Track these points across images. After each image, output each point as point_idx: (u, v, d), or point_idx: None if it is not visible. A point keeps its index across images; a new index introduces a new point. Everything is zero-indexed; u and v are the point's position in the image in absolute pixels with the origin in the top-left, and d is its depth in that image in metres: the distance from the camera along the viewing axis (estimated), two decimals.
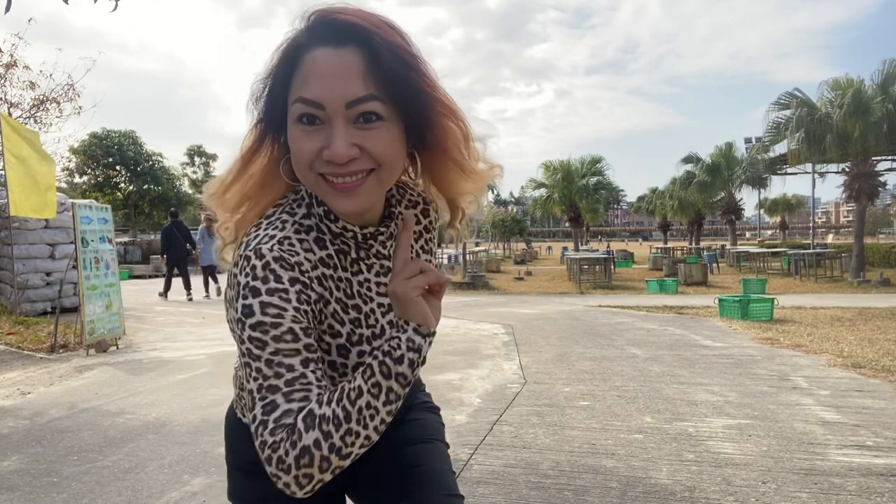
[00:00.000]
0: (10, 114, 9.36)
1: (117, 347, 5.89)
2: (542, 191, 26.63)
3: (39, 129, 10.24)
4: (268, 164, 0.84)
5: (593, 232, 55.44)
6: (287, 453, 0.68)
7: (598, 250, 22.90)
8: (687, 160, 28.46)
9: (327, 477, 0.70)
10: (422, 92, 0.76)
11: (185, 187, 34.98)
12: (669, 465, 2.72)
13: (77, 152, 25.01)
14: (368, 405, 0.70)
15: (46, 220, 8.47)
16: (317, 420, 0.69)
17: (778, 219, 53.75)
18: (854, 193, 14.99)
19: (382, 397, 0.71)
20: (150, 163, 29.69)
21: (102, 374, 4.79)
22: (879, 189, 15.33)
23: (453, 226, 1.01)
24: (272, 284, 0.73)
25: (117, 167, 28.64)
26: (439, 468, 0.99)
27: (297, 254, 0.78)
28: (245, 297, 0.73)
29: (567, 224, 28.45)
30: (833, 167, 16.89)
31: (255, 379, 0.72)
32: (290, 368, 0.72)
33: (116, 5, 4.52)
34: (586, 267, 15.01)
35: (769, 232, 73.05)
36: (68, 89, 10.41)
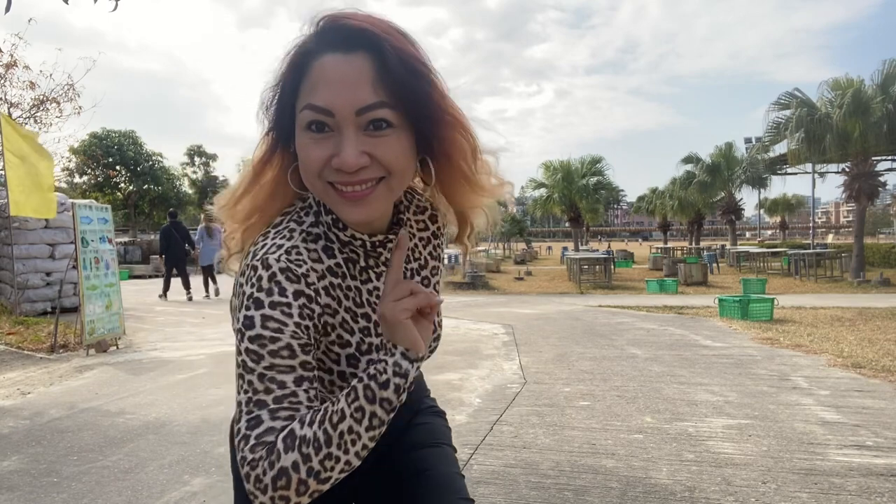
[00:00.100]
0: (10, 114, 9.37)
1: (117, 347, 5.89)
2: (542, 191, 26.64)
3: (39, 129, 10.24)
4: (278, 173, 0.83)
5: (593, 232, 55.43)
6: (265, 473, 0.67)
7: (598, 250, 22.90)
8: (687, 160, 28.47)
9: (305, 500, 0.68)
10: (431, 101, 0.74)
11: (185, 187, 35.00)
12: (669, 465, 2.72)
13: (77, 152, 25.01)
14: (350, 430, 0.68)
15: (46, 220, 8.47)
16: (297, 441, 0.67)
17: (778, 219, 53.75)
18: (854, 193, 14.99)
19: (365, 422, 0.69)
20: (150, 163, 29.70)
21: (102, 374, 4.79)
22: (879, 189, 15.33)
23: (461, 240, 1.00)
24: (276, 297, 0.72)
25: (117, 167, 28.65)
26: (448, 471, 0.98)
27: (305, 263, 0.76)
28: (248, 309, 0.72)
29: (567, 224, 28.47)
30: (833, 167, 16.91)
31: (246, 392, 0.71)
32: (282, 385, 0.70)
33: (116, 5, 4.52)
34: (586, 267, 15.00)
35: (769, 232, 73.04)
36: (68, 89, 10.42)
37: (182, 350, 5.78)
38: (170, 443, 3.15)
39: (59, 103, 10.42)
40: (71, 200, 8.48)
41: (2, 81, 9.96)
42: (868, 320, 7.12)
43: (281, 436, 0.68)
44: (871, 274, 14.36)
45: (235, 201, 0.86)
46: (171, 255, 10.79)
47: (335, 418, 0.68)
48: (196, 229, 11.74)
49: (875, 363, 4.71)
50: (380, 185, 0.74)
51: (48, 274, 8.51)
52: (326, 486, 0.69)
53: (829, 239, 48.60)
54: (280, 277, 0.73)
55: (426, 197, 0.95)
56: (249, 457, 0.68)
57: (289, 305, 0.72)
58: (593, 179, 25.61)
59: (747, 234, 70.11)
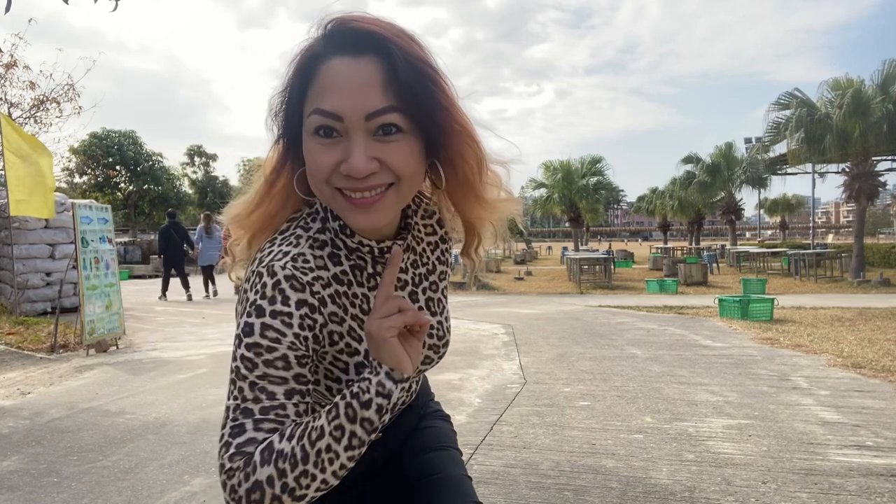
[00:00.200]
0: (9, 114, 9.38)
1: (117, 347, 5.89)
2: (542, 191, 26.64)
3: (39, 129, 10.26)
4: (288, 180, 0.82)
5: (593, 232, 55.44)
6: (240, 484, 0.66)
7: (597, 250, 22.90)
8: (687, 160, 28.47)
9: None
10: (439, 107, 0.73)
11: (185, 187, 35.00)
12: (669, 465, 2.72)
13: (77, 152, 25.04)
14: (328, 448, 0.67)
15: (46, 220, 8.47)
16: (274, 455, 0.66)
17: (778, 219, 53.74)
18: (854, 193, 14.99)
19: (344, 441, 0.67)
20: (150, 163, 29.72)
21: (102, 374, 4.79)
22: (879, 189, 15.32)
23: (467, 253, 0.97)
24: (278, 306, 0.71)
25: (117, 167, 28.67)
26: (457, 474, 0.98)
27: (311, 271, 0.76)
28: (249, 315, 0.72)
29: (567, 224, 28.48)
30: (833, 167, 16.91)
31: (235, 398, 0.70)
32: (272, 396, 0.70)
33: (116, 5, 4.52)
34: (586, 267, 15.00)
35: (769, 232, 73.05)
36: (68, 89, 10.43)
37: (182, 350, 5.77)
38: (170, 443, 3.15)
39: (59, 103, 10.44)
40: (71, 200, 8.48)
41: (2, 81, 9.96)
42: (868, 320, 7.12)
43: (259, 448, 0.67)
44: (871, 274, 14.37)
45: (249, 213, 0.85)
46: (169, 256, 10.80)
47: (314, 435, 0.67)
48: (196, 229, 11.74)
49: (875, 363, 4.71)
50: (389, 191, 0.73)
51: (48, 274, 8.52)
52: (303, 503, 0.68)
53: (829, 239, 48.61)
54: (284, 285, 0.72)
55: (434, 200, 0.93)
56: (227, 465, 0.67)
57: (290, 315, 0.72)
58: (593, 179, 25.61)
59: (747, 234, 70.12)
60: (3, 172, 7.12)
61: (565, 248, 26.56)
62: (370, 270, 0.83)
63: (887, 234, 58.64)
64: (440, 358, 0.94)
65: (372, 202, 0.72)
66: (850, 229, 25.51)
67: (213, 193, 35.21)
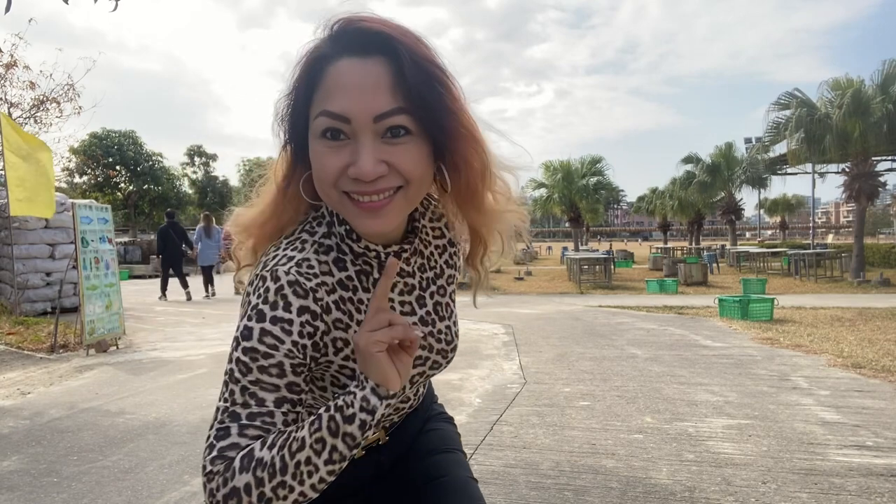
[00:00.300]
0: (10, 114, 9.38)
1: (117, 347, 5.89)
2: (542, 191, 26.64)
3: (39, 129, 10.26)
4: (297, 185, 0.80)
5: (593, 232, 55.43)
6: (218, 488, 0.66)
7: (597, 250, 22.90)
8: (687, 160, 28.46)
9: None
10: (446, 109, 0.71)
11: (185, 187, 35.03)
12: (669, 465, 2.72)
13: (77, 152, 25.06)
14: (308, 461, 0.65)
15: (46, 220, 8.47)
16: (253, 463, 0.65)
17: (778, 219, 53.74)
18: (854, 193, 14.98)
19: (325, 455, 0.66)
20: (150, 163, 29.76)
21: (102, 374, 4.79)
22: (879, 189, 15.32)
23: (472, 263, 0.95)
24: (279, 312, 0.71)
25: (117, 167, 28.71)
26: (463, 476, 0.98)
27: (315, 276, 0.74)
28: (249, 319, 0.71)
29: (567, 224, 28.48)
30: (833, 167, 16.90)
31: (225, 400, 0.70)
32: (261, 403, 0.69)
33: (116, 5, 4.52)
34: (586, 267, 15.00)
35: (769, 232, 73.06)
36: (68, 89, 10.44)
37: (182, 350, 5.77)
38: (170, 443, 3.15)
39: (59, 103, 10.44)
40: (71, 200, 8.48)
41: (2, 81, 9.97)
42: (868, 320, 7.12)
43: (241, 454, 0.66)
44: (871, 274, 14.37)
45: (263, 223, 0.84)
46: (167, 256, 10.80)
47: (294, 446, 0.65)
48: (195, 229, 11.74)
49: (875, 363, 4.71)
50: (397, 194, 0.72)
51: (48, 274, 8.52)
52: None
53: (829, 239, 48.62)
54: (287, 291, 0.71)
55: (442, 203, 0.91)
56: (208, 468, 0.67)
57: (290, 322, 0.71)
58: (593, 179, 25.60)
59: (747, 234, 70.14)
60: (2, 172, 7.13)
61: (565, 248, 26.55)
62: (376, 276, 0.81)
63: (887, 234, 58.67)
64: (448, 363, 0.93)
65: (380, 206, 0.71)
66: (850, 229, 25.51)
67: (213, 193, 35.25)
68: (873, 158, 15.43)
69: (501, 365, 4.95)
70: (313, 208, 0.83)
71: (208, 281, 11.00)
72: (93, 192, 26.99)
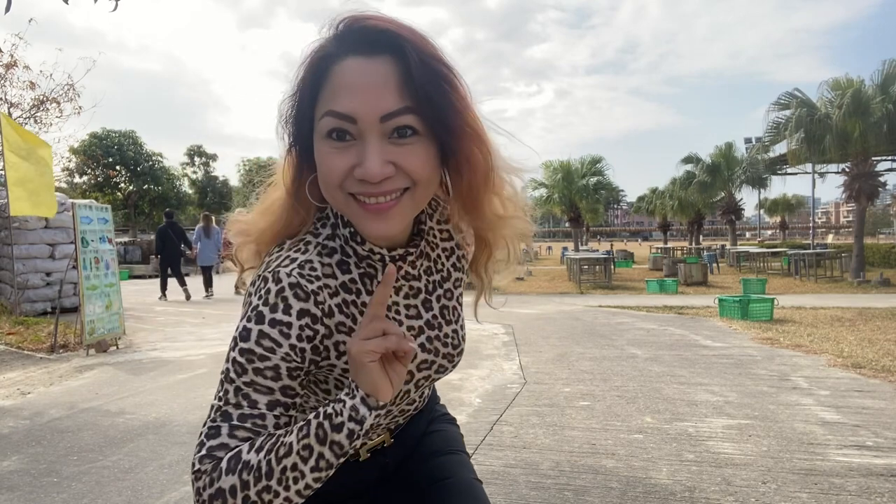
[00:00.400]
0: (10, 114, 9.38)
1: (117, 347, 5.89)
2: (542, 191, 26.64)
3: (39, 129, 10.27)
4: (303, 189, 0.79)
5: (593, 232, 55.43)
6: (205, 488, 0.66)
7: (597, 250, 22.89)
8: (687, 160, 28.46)
9: None
10: (452, 109, 0.69)
11: (185, 187, 35.04)
12: (669, 465, 2.72)
13: (77, 152, 25.07)
14: (294, 467, 0.65)
15: (46, 220, 8.48)
16: (240, 465, 0.65)
17: (778, 219, 53.75)
18: (854, 193, 14.98)
19: (311, 462, 0.65)
20: (150, 163, 29.79)
21: (102, 374, 4.79)
22: (879, 189, 15.32)
23: (476, 269, 0.93)
24: (278, 315, 0.70)
25: (117, 167, 28.73)
26: (468, 478, 0.98)
27: (318, 279, 0.73)
28: (248, 320, 0.71)
29: (567, 224, 28.49)
30: (833, 167, 16.91)
31: (219, 399, 0.70)
32: (253, 405, 0.68)
33: (116, 5, 4.52)
34: (586, 267, 15.00)
35: (769, 232, 73.09)
36: (68, 89, 10.44)
37: (182, 350, 5.77)
38: (170, 443, 3.15)
39: (59, 103, 10.45)
40: (71, 200, 8.49)
41: (2, 81, 9.97)
42: (868, 320, 7.12)
43: (228, 455, 0.66)
44: (871, 274, 14.36)
45: (270, 227, 0.82)
46: (166, 256, 10.80)
47: (281, 451, 0.65)
48: (195, 229, 11.74)
49: (875, 363, 4.71)
50: (404, 196, 0.70)
51: (48, 274, 8.52)
52: None
53: (829, 239, 48.62)
54: (288, 293, 0.71)
55: (449, 206, 0.88)
56: (197, 466, 0.67)
57: (289, 325, 0.70)
58: (593, 179, 25.60)
59: (747, 234, 70.15)
60: (2, 172, 7.13)
61: (565, 248, 26.56)
62: (381, 279, 0.80)
63: (887, 234, 58.68)
64: (454, 366, 0.91)
65: (387, 208, 0.69)
66: (850, 229, 25.51)
67: (213, 193, 35.26)
68: (873, 158, 15.43)
69: (501, 365, 4.95)
70: (319, 210, 0.82)
71: (208, 281, 11.00)
72: (93, 192, 27.01)
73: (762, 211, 47.52)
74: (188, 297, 10.48)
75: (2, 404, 3.94)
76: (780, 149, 17.83)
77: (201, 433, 0.69)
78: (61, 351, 5.71)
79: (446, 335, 0.88)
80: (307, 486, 0.66)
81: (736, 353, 5.31)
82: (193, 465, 0.68)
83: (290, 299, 0.71)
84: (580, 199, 25.39)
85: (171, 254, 10.80)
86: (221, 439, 0.68)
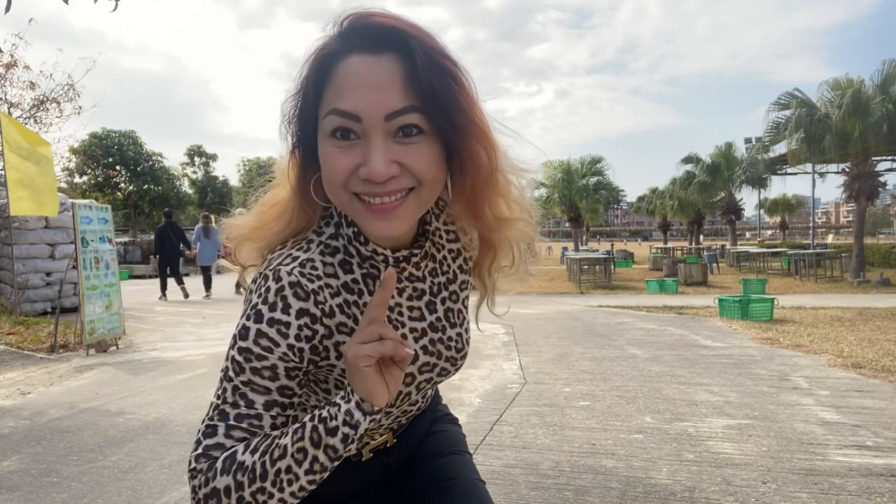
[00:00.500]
0: (10, 114, 9.38)
1: (117, 347, 5.89)
2: (542, 191, 26.64)
3: (39, 129, 10.27)
4: (307, 189, 0.77)
5: (593, 232, 55.43)
6: (200, 486, 0.66)
7: (597, 250, 22.89)
8: (687, 160, 28.46)
9: None
10: (458, 107, 0.68)
11: (185, 187, 35.04)
12: (669, 465, 2.72)
13: (77, 152, 25.08)
14: (288, 469, 0.64)
15: (46, 220, 8.48)
16: (234, 466, 0.65)
17: (778, 219, 53.73)
18: (854, 193, 14.98)
19: (305, 465, 0.65)
20: (150, 163, 29.78)
21: (102, 374, 4.79)
22: (879, 189, 15.31)
23: (478, 272, 0.92)
24: (277, 314, 0.69)
25: (117, 167, 28.73)
26: (471, 479, 0.97)
27: (319, 278, 0.73)
28: (248, 318, 0.70)
29: (567, 224, 28.50)
30: (833, 167, 16.91)
31: (218, 397, 0.70)
32: (250, 405, 0.68)
33: (116, 5, 4.52)
34: (586, 267, 14.99)
35: (769, 232, 73.09)
36: (68, 89, 10.44)
37: (182, 350, 5.77)
38: (170, 443, 3.15)
39: (59, 103, 10.46)
40: (71, 200, 8.48)
41: (2, 81, 9.97)
42: (868, 320, 7.12)
43: (224, 455, 0.66)
44: (871, 274, 14.36)
45: (281, 234, 0.81)
46: (164, 256, 10.81)
47: (276, 453, 0.65)
48: (194, 229, 11.75)
49: (875, 363, 4.71)
50: (409, 196, 0.69)
51: (48, 274, 8.52)
52: None
53: (829, 239, 48.63)
54: (287, 292, 0.70)
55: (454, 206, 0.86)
56: (193, 465, 0.68)
57: (287, 325, 0.70)
58: (593, 179, 25.60)
59: (747, 234, 70.17)
60: (2, 172, 7.13)
61: (565, 249, 26.56)
62: None
63: (887, 234, 58.68)
64: (457, 370, 0.91)
65: (391, 208, 0.68)
66: (850, 229, 25.51)
67: (213, 193, 35.26)
68: (873, 158, 15.43)
69: (501, 365, 4.95)
70: (323, 209, 0.81)
71: (207, 281, 11.00)
72: (93, 192, 27.01)
73: (762, 211, 47.51)
74: (186, 295, 10.50)
75: (2, 404, 3.94)
76: (780, 149, 17.84)
77: (199, 431, 0.69)
78: (61, 351, 5.71)
79: (450, 338, 0.87)
80: (301, 488, 0.66)
81: (736, 353, 5.31)
82: (190, 462, 0.68)
83: (290, 298, 0.70)
84: (580, 199, 25.38)
85: (170, 254, 10.80)
86: (217, 439, 0.68)
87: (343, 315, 0.75)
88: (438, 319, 0.86)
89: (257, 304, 0.71)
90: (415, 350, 0.81)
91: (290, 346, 0.70)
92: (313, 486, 0.67)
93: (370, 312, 0.67)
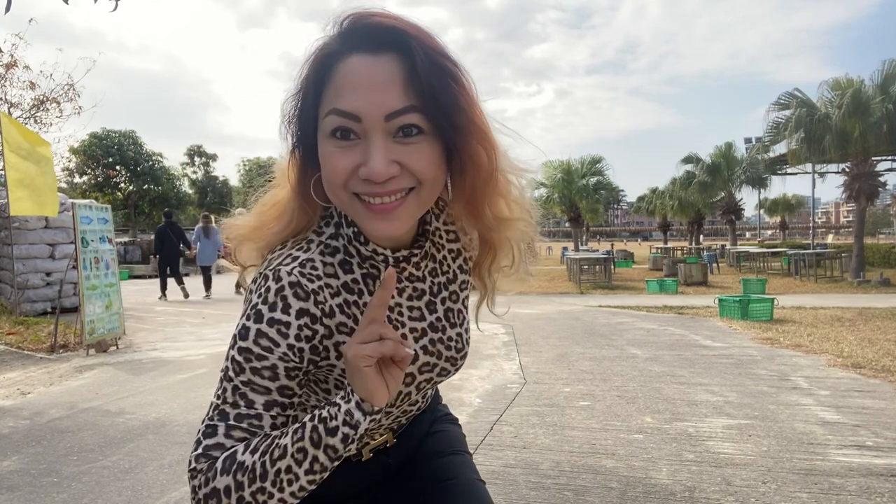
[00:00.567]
0: (10, 114, 9.38)
1: (117, 347, 5.89)
2: (543, 191, 26.64)
3: (39, 129, 10.27)
4: (308, 189, 0.77)
5: (593, 232, 55.44)
6: (200, 486, 0.66)
7: (597, 250, 22.89)
8: (687, 160, 28.46)
9: None
10: (458, 107, 0.68)
11: (185, 187, 35.04)
12: (669, 465, 2.72)
13: (77, 152, 25.08)
14: (289, 469, 0.64)
15: (46, 220, 8.48)
16: (235, 466, 0.65)
17: (778, 219, 53.72)
18: (854, 193, 14.98)
19: (305, 465, 0.65)
20: (150, 163, 29.78)
21: (102, 374, 4.79)
22: (879, 189, 15.32)
23: (479, 275, 0.92)
24: (277, 314, 0.69)
25: (117, 167, 28.73)
26: (471, 479, 0.97)
27: (318, 278, 0.73)
28: (248, 318, 0.70)
29: (567, 224, 28.51)
30: (833, 167, 16.92)
31: (218, 397, 0.70)
32: (250, 405, 0.68)
33: (116, 5, 4.52)
34: (586, 267, 15.00)
35: (769, 232, 73.11)
36: (68, 89, 10.44)
37: (182, 350, 5.77)
38: (170, 443, 3.15)
39: (59, 103, 10.46)
40: (71, 200, 8.48)
41: (2, 81, 9.97)
42: (868, 320, 7.12)
43: (224, 455, 0.66)
44: (871, 274, 14.36)
45: (281, 235, 0.81)
46: (164, 256, 10.82)
47: (276, 454, 0.65)
48: (194, 229, 11.75)
49: (875, 363, 4.71)
50: (409, 196, 0.69)
51: (48, 274, 8.52)
52: None
53: (829, 239, 48.63)
54: (287, 292, 0.70)
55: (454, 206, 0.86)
56: (193, 465, 0.68)
57: (287, 325, 0.70)
58: (593, 179, 25.61)
59: (747, 234, 70.18)
60: (2, 172, 7.13)
61: (565, 249, 26.55)
62: None
63: (887, 234, 58.69)
64: (457, 370, 0.91)
65: (391, 208, 0.68)
66: (850, 229, 25.52)
67: (213, 193, 35.26)
68: (873, 158, 15.43)
69: (501, 365, 4.95)
70: (324, 209, 0.81)
71: (207, 282, 11.00)
72: (93, 192, 27.01)
73: (762, 211, 47.52)
74: (186, 295, 10.50)
75: (2, 404, 3.94)
76: (780, 149, 17.84)
77: (199, 430, 0.69)
78: (61, 351, 5.71)
79: (450, 338, 0.87)
80: (301, 488, 0.66)
81: (736, 353, 5.31)
82: (190, 462, 0.68)
83: (290, 298, 0.70)
84: (580, 199, 25.39)
85: (170, 254, 10.81)
86: (217, 439, 0.68)
87: (343, 315, 0.75)
88: (438, 319, 0.86)
89: (257, 303, 0.71)
90: (415, 350, 0.81)
91: (290, 347, 0.70)
92: (313, 486, 0.67)
93: (370, 312, 0.67)
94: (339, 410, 0.66)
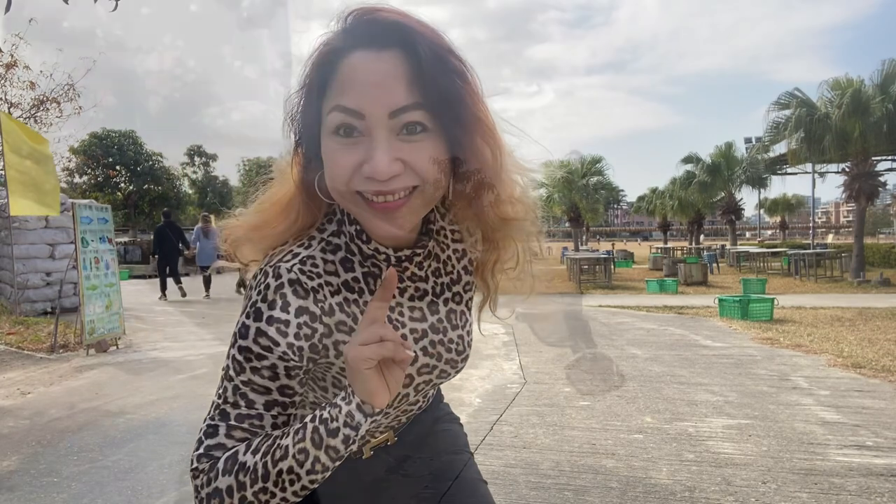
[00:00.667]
0: (10, 114, 9.38)
1: (117, 347, 5.89)
2: (542, 191, 26.61)
3: (39, 129, 10.27)
4: (312, 186, 0.76)
5: (593, 232, 55.46)
6: (202, 486, 0.66)
7: (597, 250, 22.90)
8: (687, 160, 28.46)
9: None
10: (464, 104, 0.67)
11: (185, 187, 35.04)
12: (669, 465, 2.72)
13: (77, 152, 25.09)
14: (290, 470, 0.64)
15: (46, 220, 8.48)
16: (237, 466, 0.65)
17: (778, 219, 53.71)
18: (854, 193, 14.97)
19: (307, 466, 0.64)
20: (150, 163, 29.77)
21: (102, 374, 4.79)
22: (879, 189, 15.31)
23: (482, 275, 0.90)
24: (276, 312, 0.69)
25: (117, 167, 28.73)
26: (473, 479, 0.98)
27: (319, 276, 0.72)
28: (247, 317, 0.70)
29: (567, 224, 28.56)
30: (833, 167, 16.91)
31: (219, 396, 0.70)
32: (251, 405, 0.68)
33: (116, 5, 4.52)
34: (586, 267, 14.99)
35: (769, 232, 73.11)
36: (68, 89, 10.44)
37: (182, 350, 5.77)
38: (170, 443, 3.15)
39: (59, 103, 10.45)
40: (71, 200, 8.48)
41: (2, 81, 9.97)
42: (868, 320, 7.12)
43: (225, 455, 0.66)
44: (871, 274, 14.36)
45: (285, 230, 0.80)
46: (164, 256, 10.82)
47: (278, 454, 0.65)
48: (193, 229, 11.75)
49: (875, 363, 4.71)
50: (413, 194, 0.68)
51: (48, 274, 8.52)
52: None
53: (829, 239, 48.58)
54: (287, 290, 0.69)
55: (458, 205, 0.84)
56: (195, 465, 0.68)
57: (287, 323, 0.69)
58: (593, 179, 25.61)
59: (747, 234, 70.18)
60: (2, 172, 7.13)
61: (565, 248, 26.56)
62: None
63: (887, 234, 58.68)
64: (458, 372, 0.90)
65: (395, 206, 0.67)
66: (850, 229, 25.52)
67: (213, 193, 35.26)
68: (873, 158, 15.42)
69: (501, 365, 4.95)
70: (327, 206, 0.79)
71: (206, 282, 11.00)
72: (93, 192, 27.01)
73: (762, 211, 47.53)
74: (184, 294, 10.52)
75: (2, 404, 3.94)
76: (780, 149, 17.83)
77: (201, 429, 0.69)
78: (61, 351, 5.71)
79: (451, 340, 0.86)
80: (303, 488, 0.66)
81: (736, 353, 5.31)
82: (192, 462, 0.68)
83: (289, 296, 0.69)
84: (580, 199, 25.39)
85: (169, 253, 10.81)
86: (219, 439, 0.68)
87: (343, 313, 0.74)
88: (440, 321, 0.85)
89: (256, 301, 0.70)
90: (414, 352, 0.80)
91: (290, 345, 0.69)
92: (315, 486, 0.67)
93: (370, 312, 0.66)
94: (339, 412, 0.65)
